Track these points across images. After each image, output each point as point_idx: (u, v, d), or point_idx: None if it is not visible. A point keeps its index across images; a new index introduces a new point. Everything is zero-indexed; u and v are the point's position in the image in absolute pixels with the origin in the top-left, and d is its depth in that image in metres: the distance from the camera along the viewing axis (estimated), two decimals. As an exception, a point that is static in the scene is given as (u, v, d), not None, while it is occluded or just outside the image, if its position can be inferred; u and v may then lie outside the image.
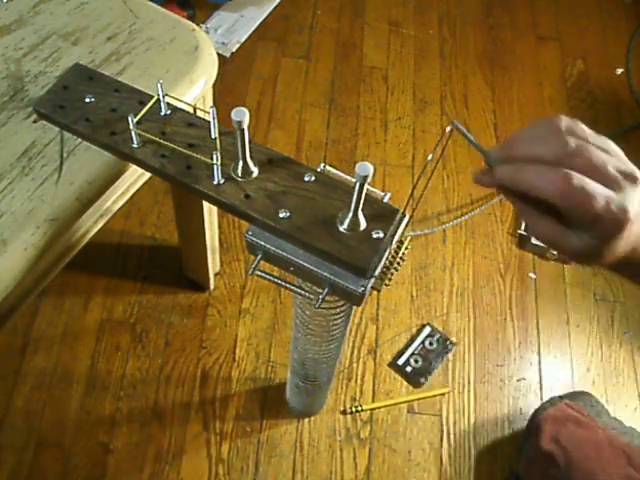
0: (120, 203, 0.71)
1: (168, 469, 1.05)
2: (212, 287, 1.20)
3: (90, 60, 0.68)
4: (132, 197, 0.73)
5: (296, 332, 0.73)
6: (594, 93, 1.56)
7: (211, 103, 0.77)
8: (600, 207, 0.38)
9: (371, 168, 0.40)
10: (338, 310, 0.61)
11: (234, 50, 1.52)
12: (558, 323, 1.25)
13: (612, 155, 0.41)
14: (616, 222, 0.39)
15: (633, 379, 1.20)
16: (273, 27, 1.58)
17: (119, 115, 0.54)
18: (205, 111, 0.54)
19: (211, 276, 1.17)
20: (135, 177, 0.70)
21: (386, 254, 0.48)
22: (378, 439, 1.10)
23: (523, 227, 1.32)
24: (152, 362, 1.13)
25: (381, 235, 0.47)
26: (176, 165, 0.51)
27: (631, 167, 0.41)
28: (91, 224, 0.68)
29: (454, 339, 1.20)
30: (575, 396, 1.08)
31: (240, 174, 0.50)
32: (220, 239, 1.22)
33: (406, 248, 0.52)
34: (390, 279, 0.51)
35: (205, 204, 0.93)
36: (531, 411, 1.08)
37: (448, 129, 0.43)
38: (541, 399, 1.16)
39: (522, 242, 1.32)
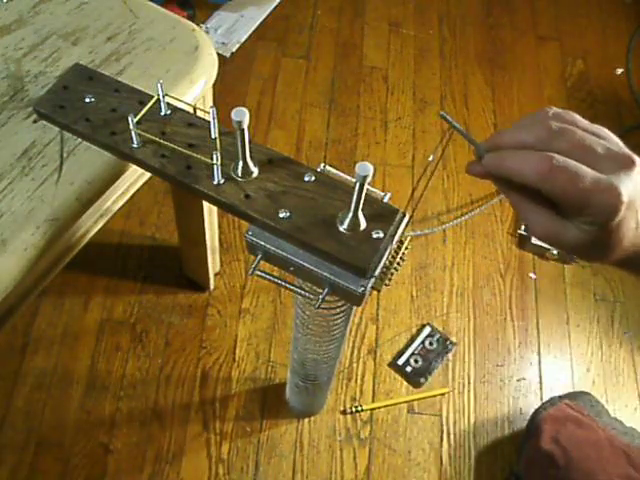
0: (120, 203, 0.71)
1: (168, 469, 1.05)
2: (212, 287, 1.20)
3: (90, 60, 0.68)
4: (132, 197, 0.73)
5: (296, 332, 0.73)
6: (594, 93, 1.56)
7: (211, 103, 0.77)
8: (586, 186, 0.36)
9: (371, 168, 0.40)
10: (338, 310, 0.61)
11: (234, 50, 1.52)
12: (558, 323, 1.25)
13: (603, 139, 0.39)
14: (608, 204, 0.37)
15: (633, 379, 1.20)
16: (273, 27, 1.58)
17: (119, 115, 0.54)
18: (205, 111, 0.54)
19: (211, 276, 1.17)
20: (135, 177, 0.70)
21: (386, 254, 0.48)
22: (378, 439, 1.10)
23: (523, 227, 1.32)
24: (152, 362, 1.13)
25: (381, 235, 0.47)
26: (176, 165, 0.51)
27: (626, 151, 0.39)
28: (91, 224, 0.68)
29: (454, 339, 1.20)
30: (575, 396, 1.08)
31: (240, 174, 0.50)
32: (220, 239, 1.22)
33: (406, 248, 0.52)
34: (390, 279, 0.51)
35: (205, 204, 0.93)
36: (531, 411, 1.08)
37: (447, 133, 0.43)
38: (541, 399, 1.16)
39: (522, 242, 1.32)
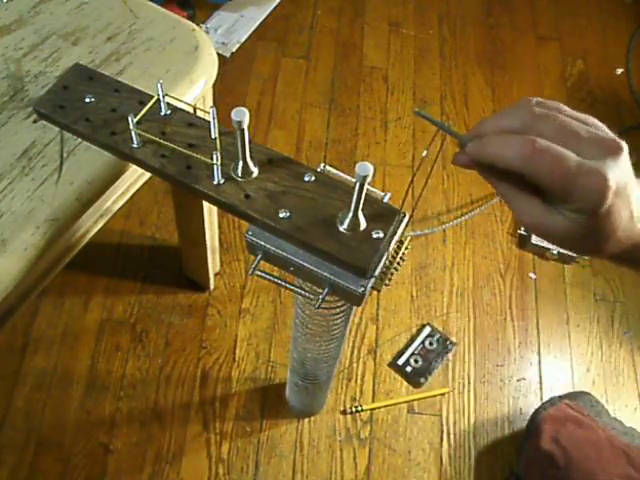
0: (120, 203, 0.71)
1: (168, 469, 1.05)
2: (212, 287, 1.20)
3: (90, 60, 0.68)
4: (132, 197, 0.73)
5: (295, 332, 0.73)
6: (594, 93, 1.56)
7: (211, 103, 0.77)
8: (571, 169, 0.35)
9: (371, 168, 0.40)
10: (338, 310, 0.61)
11: (234, 50, 1.52)
12: (558, 323, 1.25)
13: (589, 126, 0.38)
14: (594, 189, 0.35)
15: (633, 379, 1.20)
16: (273, 27, 1.58)
17: (119, 115, 0.54)
18: (205, 111, 0.54)
19: (211, 276, 1.17)
20: (135, 177, 0.70)
21: (386, 254, 0.48)
22: (378, 439, 1.10)
23: (523, 227, 1.32)
24: (152, 362, 1.13)
25: (381, 235, 0.47)
26: (176, 165, 0.51)
27: (612, 136, 0.37)
28: (91, 224, 0.68)
29: (454, 339, 1.20)
30: (575, 396, 1.08)
31: (240, 174, 0.50)
32: (220, 239, 1.22)
33: (406, 248, 0.52)
34: (390, 279, 0.51)
35: (205, 204, 0.93)
36: (531, 411, 1.08)
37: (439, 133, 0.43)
38: (541, 399, 1.16)
39: (522, 242, 1.32)
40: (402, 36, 1.61)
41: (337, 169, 0.52)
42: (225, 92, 1.43)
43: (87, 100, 0.55)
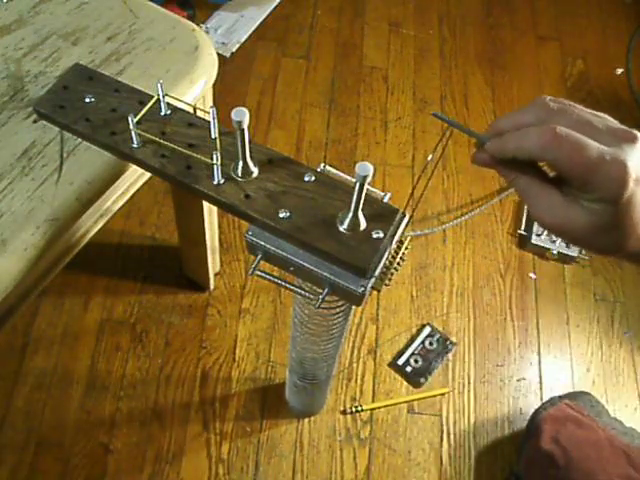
0: (120, 203, 0.71)
1: (168, 469, 1.05)
2: (212, 287, 1.20)
3: (90, 60, 0.68)
4: (132, 197, 0.73)
5: (294, 331, 0.73)
6: (594, 93, 1.56)
7: (211, 103, 0.77)
8: (591, 155, 0.35)
9: (371, 168, 0.40)
10: (337, 310, 0.61)
11: (234, 50, 1.52)
12: (558, 323, 1.25)
13: (603, 119, 0.39)
14: (615, 176, 0.35)
15: (633, 379, 1.20)
16: (273, 27, 1.58)
17: (119, 115, 0.54)
18: (205, 111, 0.54)
19: (211, 276, 1.17)
20: (135, 177, 0.70)
21: (386, 254, 0.48)
22: (378, 439, 1.10)
23: (523, 227, 1.32)
24: (152, 362, 1.13)
25: (381, 235, 0.47)
26: (176, 165, 0.51)
27: (626, 127, 0.38)
28: (91, 224, 0.68)
29: (454, 339, 1.20)
30: (575, 396, 1.08)
31: (240, 174, 0.50)
32: (220, 239, 1.22)
33: (406, 248, 0.52)
34: (390, 279, 0.51)
35: (205, 204, 0.93)
36: (531, 411, 1.08)
37: (447, 132, 0.43)
38: (541, 399, 1.16)
39: (522, 242, 1.32)
40: (402, 36, 1.61)
41: (337, 169, 0.52)
42: (225, 92, 1.43)
43: (87, 100, 0.55)
